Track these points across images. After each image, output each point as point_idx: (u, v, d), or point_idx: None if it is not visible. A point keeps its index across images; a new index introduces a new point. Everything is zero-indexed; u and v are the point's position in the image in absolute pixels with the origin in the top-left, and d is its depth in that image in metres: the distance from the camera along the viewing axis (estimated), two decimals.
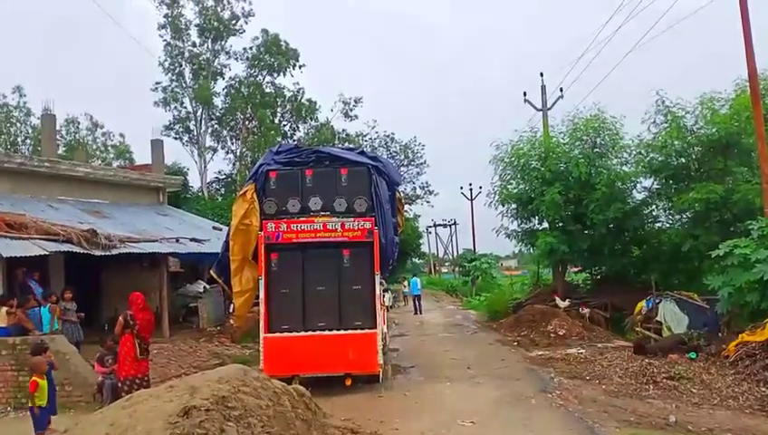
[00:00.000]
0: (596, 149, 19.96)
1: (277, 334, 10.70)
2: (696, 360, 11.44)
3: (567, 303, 18.91)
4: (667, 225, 19.57)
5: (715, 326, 13.35)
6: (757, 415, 8.45)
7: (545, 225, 20.64)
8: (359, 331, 10.70)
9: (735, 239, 12.59)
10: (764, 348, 10.21)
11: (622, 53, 61.29)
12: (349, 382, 10.61)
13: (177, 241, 17.04)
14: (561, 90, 25.25)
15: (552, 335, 16.56)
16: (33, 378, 7.83)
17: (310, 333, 10.70)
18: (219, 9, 36.48)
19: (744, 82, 15.60)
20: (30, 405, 7.91)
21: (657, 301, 15.10)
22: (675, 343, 12.69)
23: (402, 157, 44.07)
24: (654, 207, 19.50)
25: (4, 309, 11.15)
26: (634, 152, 19.28)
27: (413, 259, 55.63)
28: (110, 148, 47.40)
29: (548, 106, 24.93)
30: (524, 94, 25.41)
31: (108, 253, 13.92)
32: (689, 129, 17.02)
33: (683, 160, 17.28)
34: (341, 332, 10.70)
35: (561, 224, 19.72)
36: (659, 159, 17.48)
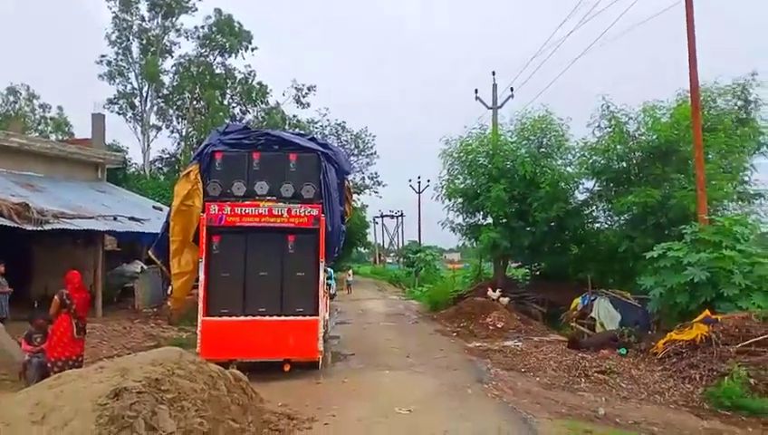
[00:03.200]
0: (542, 149, 20.44)
1: (216, 318, 10.47)
2: (627, 356, 11.81)
3: (498, 294, 19.39)
4: (606, 226, 20.17)
5: (646, 324, 13.88)
6: (682, 410, 8.81)
7: (489, 220, 21.01)
8: (300, 317, 10.56)
9: (669, 242, 13.10)
10: (691, 347, 10.64)
11: (573, 57, 62.72)
12: (287, 368, 10.47)
13: (115, 219, 16.52)
14: (512, 90, 25.64)
15: (490, 327, 16.87)
16: None
17: (249, 317, 10.50)
18: None
19: (686, 93, 16.19)
20: None
21: (593, 298, 15.58)
22: (607, 338, 13.08)
23: (353, 146, 43.94)
24: (594, 208, 20.07)
25: None
26: (578, 154, 19.76)
27: (359, 248, 55.69)
28: (49, 120, 45.46)
29: (498, 104, 25.28)
30: (476, 92, 25.70)
31: (40, 228, 13.36)
32: (631, 134, 17.57)
33: (624, 165, 17.82)
34: (282, 318, 10.54)
35: (504, 220, 20.12)
36: (602, 161, 17.96)
